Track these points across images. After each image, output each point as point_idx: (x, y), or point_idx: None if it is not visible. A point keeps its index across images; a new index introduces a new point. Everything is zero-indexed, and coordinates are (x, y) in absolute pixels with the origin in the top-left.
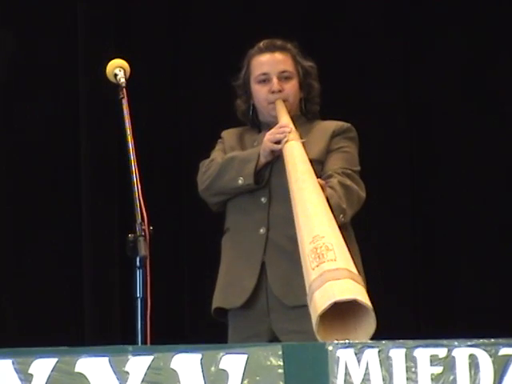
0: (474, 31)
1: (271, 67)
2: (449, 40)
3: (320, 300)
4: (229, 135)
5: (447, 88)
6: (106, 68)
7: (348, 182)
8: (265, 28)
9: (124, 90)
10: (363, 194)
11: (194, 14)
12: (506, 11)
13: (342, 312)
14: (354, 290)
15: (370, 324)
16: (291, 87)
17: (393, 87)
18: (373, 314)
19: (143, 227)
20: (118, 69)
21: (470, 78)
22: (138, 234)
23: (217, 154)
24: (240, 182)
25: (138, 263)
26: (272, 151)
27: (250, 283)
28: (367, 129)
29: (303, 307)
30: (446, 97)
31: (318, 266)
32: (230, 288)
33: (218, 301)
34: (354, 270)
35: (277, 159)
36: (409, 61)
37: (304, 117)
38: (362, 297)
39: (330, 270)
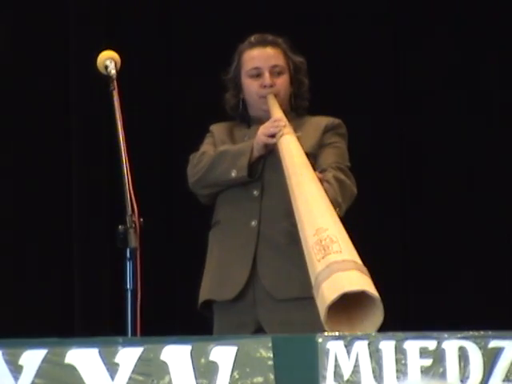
0: (463, 25)
1: (263, 62)
2: (437, 36)
3: (328, 291)
4: (218, 129)
5: (438, 85)
6: (96, 59)
7: (342, 176)
8: (256, 22)
9: (115, 81)
10: (355, 190)
11: (186, 5)
12: (495, 9)
13: (347, 304)
14: (362, 281)
15: (377, 315)
16: (282, 82)
17: (382, 83)
18: (381, 305)
19: (133, 219)
20: (108, 60)
21: (459, 73)
22: (128, 225)
23: (208, 148)
24: (233, 174)
25: (128, 255)
26: (266, 145)
27: (242, 276)
28: (356, 126)
29: (292, 300)
30: (436, 94)
31: (323, 257)
32: (221, 281)
33: (207, 293)
34: (360, 261)
35: (270, 153)
36: (397, 57)
37: (293, 112)
38: (370, 288)
39: (337, 262)
